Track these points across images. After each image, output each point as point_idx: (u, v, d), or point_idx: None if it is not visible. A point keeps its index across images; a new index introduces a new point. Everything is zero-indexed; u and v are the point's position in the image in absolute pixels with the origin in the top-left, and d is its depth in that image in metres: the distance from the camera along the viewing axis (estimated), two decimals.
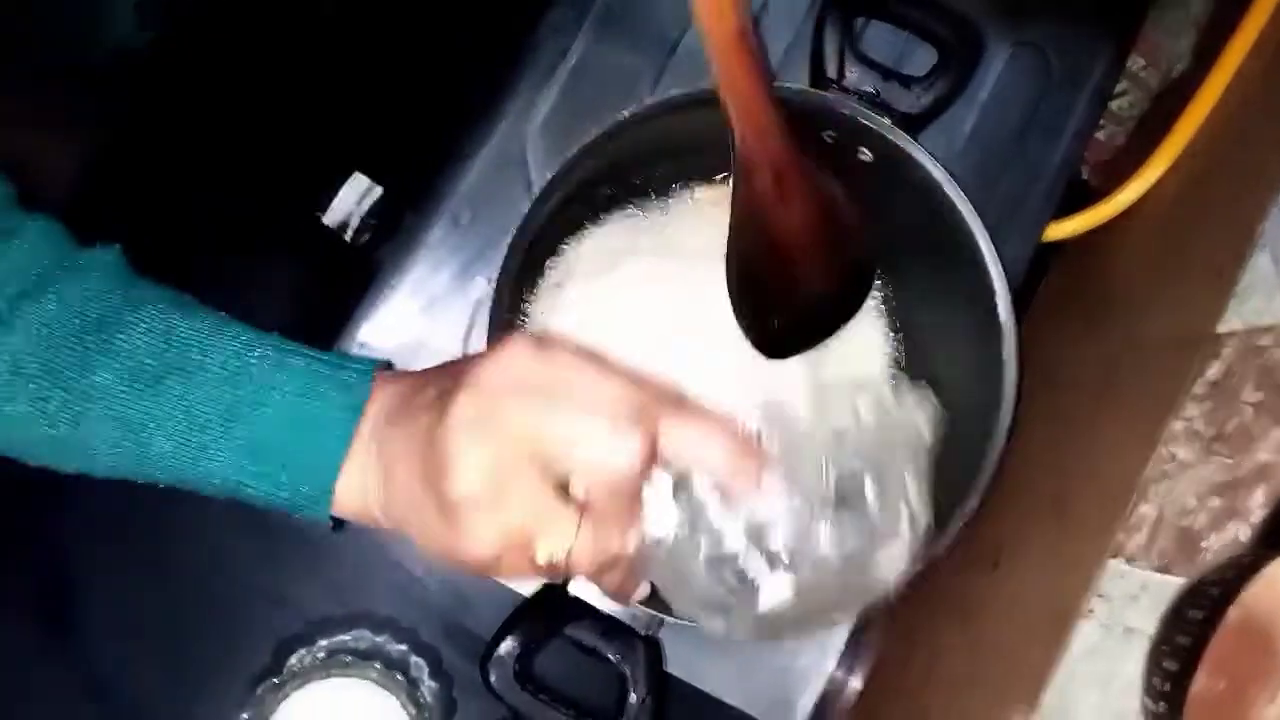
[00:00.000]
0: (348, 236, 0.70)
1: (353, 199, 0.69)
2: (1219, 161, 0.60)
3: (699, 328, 0.61)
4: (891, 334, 0.66)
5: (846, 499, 0.46)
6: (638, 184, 0.65)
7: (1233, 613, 0.34)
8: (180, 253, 0.60)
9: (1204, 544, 0.42)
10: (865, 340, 0.66)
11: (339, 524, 0.49)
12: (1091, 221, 0.67)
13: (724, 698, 0.62)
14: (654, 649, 0.58)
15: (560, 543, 0.44)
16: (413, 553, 0.64)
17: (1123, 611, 0.44)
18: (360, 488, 0.46)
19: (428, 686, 0.64)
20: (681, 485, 0.45)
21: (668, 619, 0.55)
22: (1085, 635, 0.46)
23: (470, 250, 0.63)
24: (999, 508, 0.58)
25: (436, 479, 0.43)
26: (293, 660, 0.63)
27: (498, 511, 0.43)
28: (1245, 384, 0.44)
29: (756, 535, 0.45)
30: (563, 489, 0.44)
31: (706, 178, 0.66)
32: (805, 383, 0.63)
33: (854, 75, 0.61)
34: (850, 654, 0.64)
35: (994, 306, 0.58)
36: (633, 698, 0.56)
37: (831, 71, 0.61)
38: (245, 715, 0.62)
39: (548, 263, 0.64)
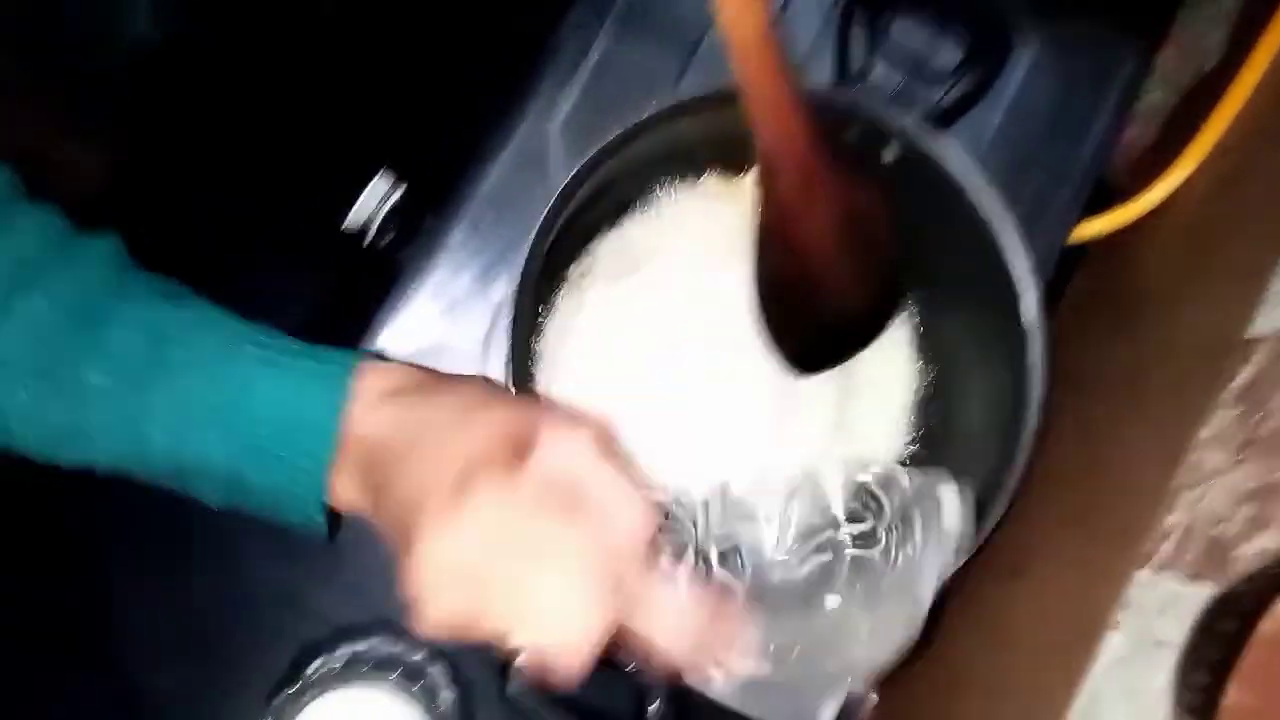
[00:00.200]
0: (368, 240, 0.69)
1: (373, 203, 0.69)
2: (1250, 160, 0.58)
3: (720, 334, 0.60)
4: (917, 337, 0.65)
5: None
6: (658, 185, 0.64)
7: (1265, 624, 0.33)
8: (199, 256, 0.60)
9: (1235, 553, 0.41)
10: (892, 341, 0.65)
11: (333, 531, 0.49)
12: (1119, 221, 0.66)
13: (744, 709, 0.62)
14: None
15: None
16: None
17: (1152, 623, 0.43)
18: (350, 486, 0.47)
19: (445, 695, 0.64)
20: None
21: None
22: (1114, 647, 0.45)
23: (491, 253, 0.63)
24: (1025, 515, 0.57)
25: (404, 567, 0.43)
26: (311, 669, 0.63)
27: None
28: (1277, 390, 0.43)
29: None
30: None
31: (729, 178, 0.65)
32: (830, 386, 0.62)
33: (879, 71, 0.60)
34: None
35: (1021, 310, 0.57)
36: (651, 708, 0.56)
37: (857, 67, 0.60)
38: None
39: (568, 265, 0.64)
